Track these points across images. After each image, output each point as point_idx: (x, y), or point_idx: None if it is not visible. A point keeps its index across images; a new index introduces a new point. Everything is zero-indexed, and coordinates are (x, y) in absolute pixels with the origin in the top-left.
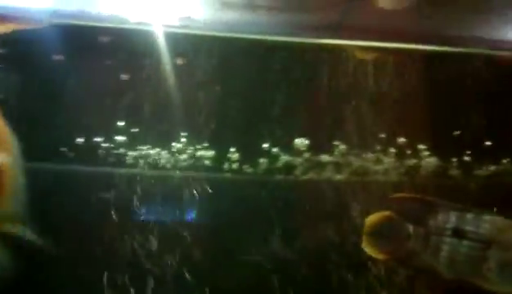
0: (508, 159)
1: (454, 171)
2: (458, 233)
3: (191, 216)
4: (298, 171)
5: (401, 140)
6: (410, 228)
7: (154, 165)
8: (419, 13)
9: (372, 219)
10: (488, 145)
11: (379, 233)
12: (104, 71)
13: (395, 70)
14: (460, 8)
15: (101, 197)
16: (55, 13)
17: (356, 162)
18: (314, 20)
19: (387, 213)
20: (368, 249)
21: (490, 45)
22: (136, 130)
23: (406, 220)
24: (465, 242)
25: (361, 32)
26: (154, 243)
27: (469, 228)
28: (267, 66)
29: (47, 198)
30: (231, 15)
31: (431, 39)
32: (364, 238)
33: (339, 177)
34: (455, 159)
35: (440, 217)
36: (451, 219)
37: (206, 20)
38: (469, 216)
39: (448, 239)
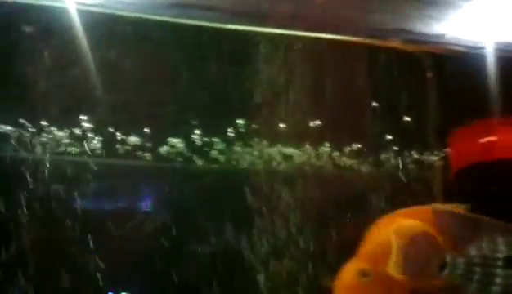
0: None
1: (346, 161)
2: None
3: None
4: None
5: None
6: (448, 255)
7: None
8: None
9: (404, 229)
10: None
11: (409, 249)
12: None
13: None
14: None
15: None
16: None
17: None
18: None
19: (424, 226)
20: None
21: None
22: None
23: (443, 241)
24: None
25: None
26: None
27: None
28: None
29: None
30: None
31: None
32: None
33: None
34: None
35: (485, 242)
36: (500, 245)
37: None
38: None
39: (501, 271)
